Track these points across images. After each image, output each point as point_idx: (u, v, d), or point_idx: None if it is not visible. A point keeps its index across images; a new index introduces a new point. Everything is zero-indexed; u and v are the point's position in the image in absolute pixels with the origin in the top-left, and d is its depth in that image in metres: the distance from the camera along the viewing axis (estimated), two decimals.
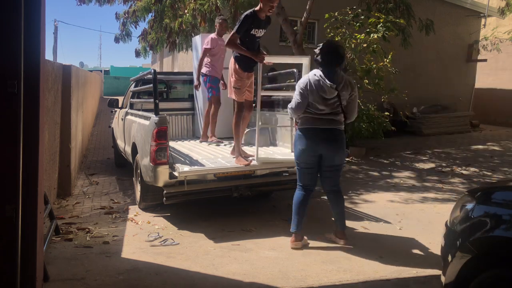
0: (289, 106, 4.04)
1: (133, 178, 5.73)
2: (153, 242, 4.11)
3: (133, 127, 5.65)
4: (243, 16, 4.64)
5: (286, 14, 9.27)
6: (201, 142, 6.13)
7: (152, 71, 4.95)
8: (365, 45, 8.42)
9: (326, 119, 3.91)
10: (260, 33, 4.74)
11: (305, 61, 4.94)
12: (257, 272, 3.47)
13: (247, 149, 5.18)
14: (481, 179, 7.35)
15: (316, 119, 3.91)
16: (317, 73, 3.88)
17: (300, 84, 3.95)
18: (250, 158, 4.79)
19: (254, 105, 5.02)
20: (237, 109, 4.91)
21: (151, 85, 4.91)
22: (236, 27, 4.61)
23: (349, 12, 8.83)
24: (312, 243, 4.12)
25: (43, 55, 2.71)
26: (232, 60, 4.83)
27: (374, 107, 9.25)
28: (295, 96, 3.97)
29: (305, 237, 4.07)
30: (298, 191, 4.09)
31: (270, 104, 6.47)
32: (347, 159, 9.05)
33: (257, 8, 4.63)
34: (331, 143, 3.94)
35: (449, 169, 8.18)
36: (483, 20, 14.53)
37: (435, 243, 3.89)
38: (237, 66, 4.76)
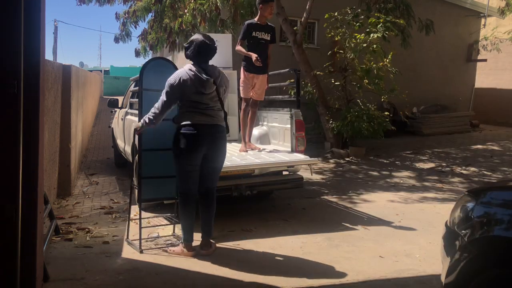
0: (155, 106, 3.68)
1: (133, 178, 5.73)
2: (153, 242, 4.10)
3: (133, 127, 5.63)
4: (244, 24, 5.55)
5: (286, 14, 9.28)
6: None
7: None
8: (365, 45, 8.43)
9: (208, 114, 3.65)
10: (262, 35, 5.43)
11: None
12: (257, 272, 3.47)
13: (240, 146, 5.48)
14: (481, 179, 7.36)
15: (199, 114, 3.63)
16: (191, 67, 3.66)
17: (169, 81, 3.64)
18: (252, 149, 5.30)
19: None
20: (242, 105, 5.55)
21: None
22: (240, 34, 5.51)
23: (349, 12, 8.84)
24: (311, 243, 4.13)
25: (43, 55, 2.71)
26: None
27: (374, 107, 9.26)
28: (162, 95, 3.65)
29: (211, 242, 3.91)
30: (181, 197, 3.79)
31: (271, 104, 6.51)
32: (347, 158, 9.06)
33: (256, 17, 5.53)
34: (214, 140, 3.68)
35: (449, 169, 8.19)
36: (483, 20, 14.53)
37: (435, 243, 3.90)
38: (242, 67, 5.50)
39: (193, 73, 3.61)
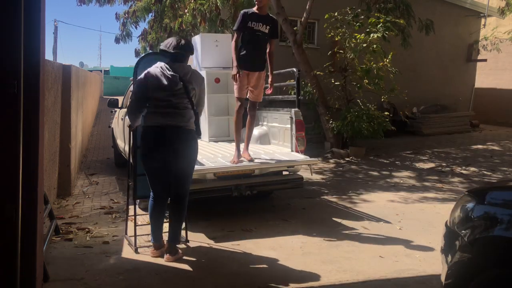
0: (127, 108, 3.61)
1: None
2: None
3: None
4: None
5: (286, 14, 9.28)
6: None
7: None
8: (365, 45, 8.44)
9: (169, 113, 3.51)
10: (258, 27, 4.80)
11: None
12: (257, 272, 3.47)
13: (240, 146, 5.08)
14: (481, 179, 7.36)
15: (159, 114, 3.52)
16: (160, 64, 3.57)
17: (137, 79, 3.61)
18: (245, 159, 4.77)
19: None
20: (236, 106, 4.98)
21: None
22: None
23: (349, 12, 8.84)
24: (311, 243, 4.13)
25: (43, 55, 2.70)
26: None
27: (374, 107, 9.26)
28: (132, 95, 3.62)
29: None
30: (150, 199, 3.74)
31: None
32: (347, 158, 9.05)
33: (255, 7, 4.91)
34: (176, 143, 3.52)
35: (449, 169, 8.19)
36: (483, 20, 14.54)
37: (435, 243, 3.90)
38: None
39: (159, 69, 3.53)
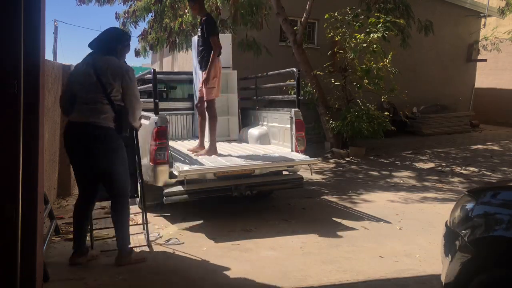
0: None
1: None
2: (154, 241, 4.10)
3: None
4: None
5: (286, 14, 9.29)
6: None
7: (152, 71, 4.93)
8: (365, 45, 8.45)
9: (81, 110, 3.32)
10: (200, 33, 5.20)
11: None
12: (257, 272, 3.47)
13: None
14: (481, 179, 7.36)
15: (75, 110, 3.36)
16: (87, 58, 3.45)
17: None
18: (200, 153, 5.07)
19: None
20: None
21: (151, 85, 4.90)
22: None
23: (349, 12, 8.85)
24: (311, 243, 4.13)
25: (43, 55, 2.70)
26: None
27: (374, 107, 9.26)
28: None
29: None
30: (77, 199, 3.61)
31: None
32: (347, 158, 9.05)
33: None
34: (84, 141, 3.32)
35: (449, 169, 8.19)
36: (483, 20, 14.54)
37: (435, 243, 3.89)
38: None
39: (82, 63, 3.44)
